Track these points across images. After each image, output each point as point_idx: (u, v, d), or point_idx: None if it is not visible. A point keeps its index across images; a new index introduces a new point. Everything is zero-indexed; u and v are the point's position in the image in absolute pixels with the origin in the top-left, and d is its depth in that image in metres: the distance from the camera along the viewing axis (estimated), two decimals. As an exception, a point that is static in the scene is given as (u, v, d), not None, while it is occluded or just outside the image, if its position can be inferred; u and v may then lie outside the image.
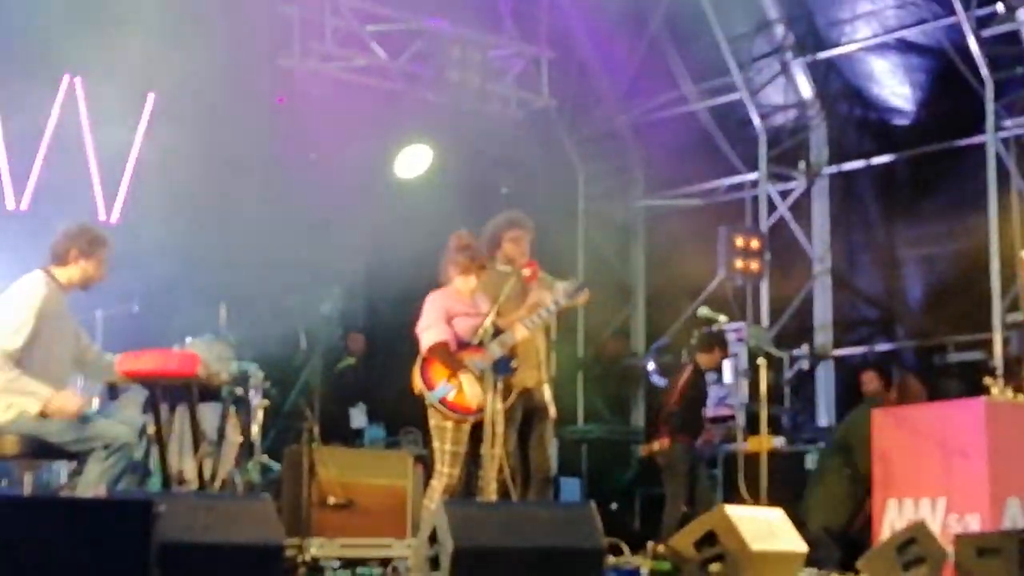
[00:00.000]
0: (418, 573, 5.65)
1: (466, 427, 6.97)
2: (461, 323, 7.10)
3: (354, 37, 11.68)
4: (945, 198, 12.59)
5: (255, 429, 8.99)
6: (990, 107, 11.78)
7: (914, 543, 7.44)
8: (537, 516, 5.88)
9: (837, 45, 13.11)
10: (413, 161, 12.27)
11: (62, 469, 8.50)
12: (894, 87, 12.85)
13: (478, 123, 12.67)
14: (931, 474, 8.68)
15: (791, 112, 13.75)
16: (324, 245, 11.56)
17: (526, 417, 7.43)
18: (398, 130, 12.22)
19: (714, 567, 6.63)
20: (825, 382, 13.30)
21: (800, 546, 7.15)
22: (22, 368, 6.28)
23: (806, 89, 13.60)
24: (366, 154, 11.94)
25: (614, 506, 12.33)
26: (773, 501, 8.13)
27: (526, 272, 7.40)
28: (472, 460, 7.14)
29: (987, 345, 11.65)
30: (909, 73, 12.71)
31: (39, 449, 6.42)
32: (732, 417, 11.52)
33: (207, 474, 7.43)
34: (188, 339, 9.34)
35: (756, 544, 6.64)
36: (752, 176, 13.75)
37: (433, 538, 5.58)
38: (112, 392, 7.28)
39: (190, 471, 7.64)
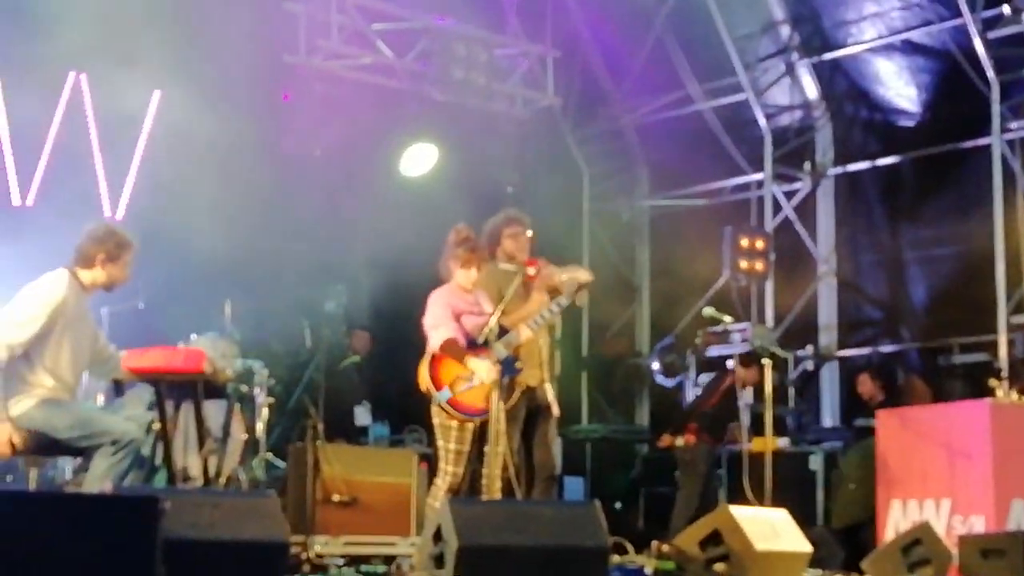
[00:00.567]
0: (422, 571, 5.65)
1: (470, 426, 6.97)
2: (467, 321, 7.10)
3: (360, 35, 11.68)
4: (950, 199, 12.57)
5: (260, 426, 9.01)
6: (996, 109, 11.77)
7: (919, 544, 7.43)
8: (542, 515, 5.87)
9: (843, 46, 13.10)
10: (418, 159, 12.28)
11: (67, 465, 8.52)
12: (900, 88, 12.84)
13: (483, 122, 12.68)
14: (936, 475, 8.67)
15: (796, 113, 13.74)
16: (329, 243, 11.57)
17: (529, 416, 7.43)
18: (403, 128, 12.23)
19: (719, 567, 6.62)
20: (830, 383, 13.29)
21: (804, 546, 7.14)
22: (30, 362, 6.29)
23: (811, 90, 13.59)
24: (371, 152, 11.96)
25: (618, 505, 12.33)
26: (777, 502, 8.12)
27: (530, 271, 7.40)
28: (476, 458, 7.14)
29: (992, 347, 11.63)
30: (915, 74, 12.70)
31: (45, 445, 6.42)
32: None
33: (212, 471, 7.43)
34: (193, 336, 9.36)
35: (761, 544, 6.63)
36: (757, 176, 13.75)
37: (438, 536, 5.58)
38: (117, 389, 7.28)
39: (195, 468, 7.65)
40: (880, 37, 12.71)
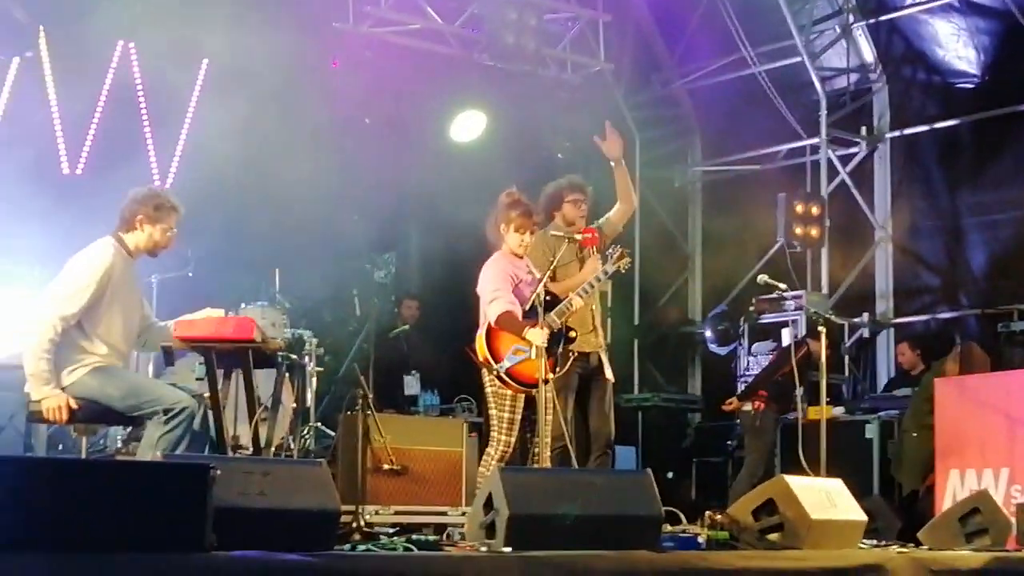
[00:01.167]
0: (473, 540, 5.60)
1: (523, 396, 6.91)
2: (524, 290, 7.04)
3: (409, 1, 11.59)
4: (1010, 163, 12.37)
5: (309, 395, 8.99)
6: (1057, 70, 11.55)
7: (977, 513, 7.30)
8: (594, 483, 5.81)
9: (900, 8, 12.90)
10: (468, 125, 12.21)
11: (118, 434, 8.56)
12: (958, 50, 12.62)
13: (534, 87, 12.58)
14: (995, 444, 8.55)
15: (852, 76, 13.55)
16: (378, 211, 11.53)
17: (583, 383, 7.37)
18: (453, 94, 12.16)
19: (773, 536, 6.53)
20: (886, 351, 13.12)
21: (860, 516, 7.03)
22: (83, 331, 6.29)
23: (868, 52, 13.39)
24: (421, 118, 11.90)
25: (670, 475, 12.27)
26: (832, 471, 8.01)
27: (577, 237, 7.33)
28: (529, 428, 7.09)
29: (1053, 313, 11.44)
30: (973, 36, 12.47)
31: (96, 413, 6.43)
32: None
33: (262, 440, 7.42)
34: (243, 305, 9.36)
35: (816, 513, 6.53)
36: (812, 141, 13.55)
37: (488, 505, 5.52)
38: (168, 358, 7.27)
39: (245, 437, 7.64)
40: (938, -2, 12.50)
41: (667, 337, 14.50)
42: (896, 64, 13.31)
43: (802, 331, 12.00)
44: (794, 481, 6.73)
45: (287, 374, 8.43)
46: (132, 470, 4.95)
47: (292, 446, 8.66)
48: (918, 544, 7.29)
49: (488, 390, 7.08)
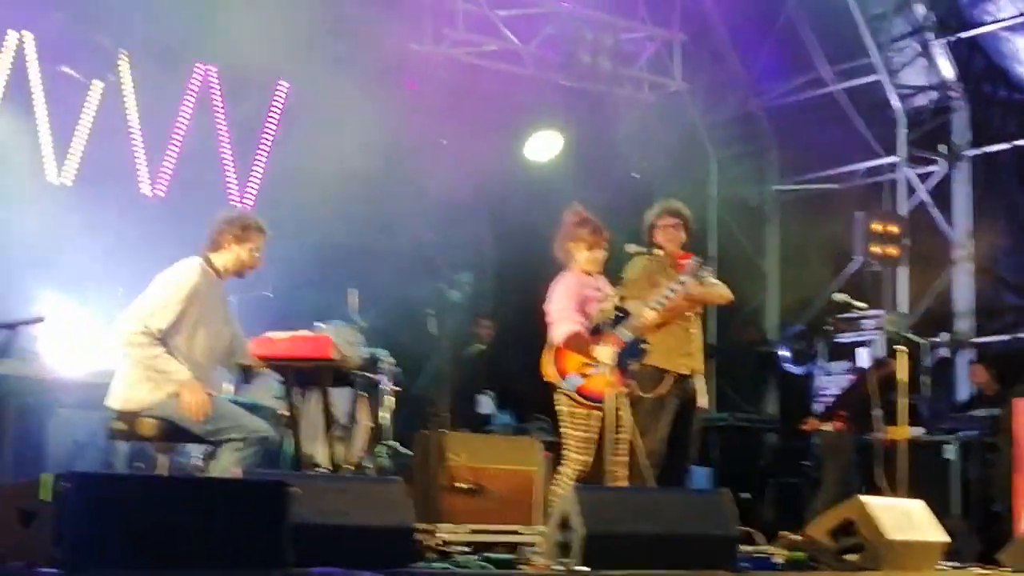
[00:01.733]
0: (549, 559, 5.60)
1: (598, 414, 6.87)
2: (593, 309, 7.02)
3: (485, 22, 11.66)
4: (1092, 181, 12.18)
5: (385, 414, 9.03)
6: None
7: (1059, 535, 7.20)
8: (670, 502, 5.80)
9: (980, 24, 12.74)
10: (544, 145, 12.23)
11: (196, 451, 8.64)
12: (1040, 67, 12.46)
13: (610, 107, 12.59)
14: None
15: (932, 93, 13.40)
16: (454, 230, 11.57)
17: (682, 406, 7.34)
18: (529, 114, 12.19)
19: (851, 557, 6.47)
20: (966, 370, 12.93)
21: (940, 536, 6.95)
22: (168, 350, 6.33)
23: (948, 70, 13.24)
24: (497, 139, 11.93)
25: (746, 495, 12.17)
26: (912, 492, 7.92)
27: (658, 253, 7.31)
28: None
29: None
30: (1055, 52, 12.31)
31: (175, 433, 6.48)
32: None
33: (338, 458, 7.46)
34: (318, 324, 9.43)
35: (894, 534, 6.48)
36: (891, 159, 13.42)
37: (564, 524, 5.53)
38: (246, 376, 7.34)
39: (321, 455, 7.69)
40: (1019, 14, 12.32)
41: (743, 356, 14.40)
42: (976, 81, 13.15)
43: (880, 351, 11.87)
44: (872, 501, 6.68)
45: (363, 393, 8.48)
46: (212, 487, 5.01)
47: (368, 465, 8.70)
48: (999, 566, 7.19)
49: (562, 410, 7.05)
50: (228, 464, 6.22)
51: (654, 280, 7.24)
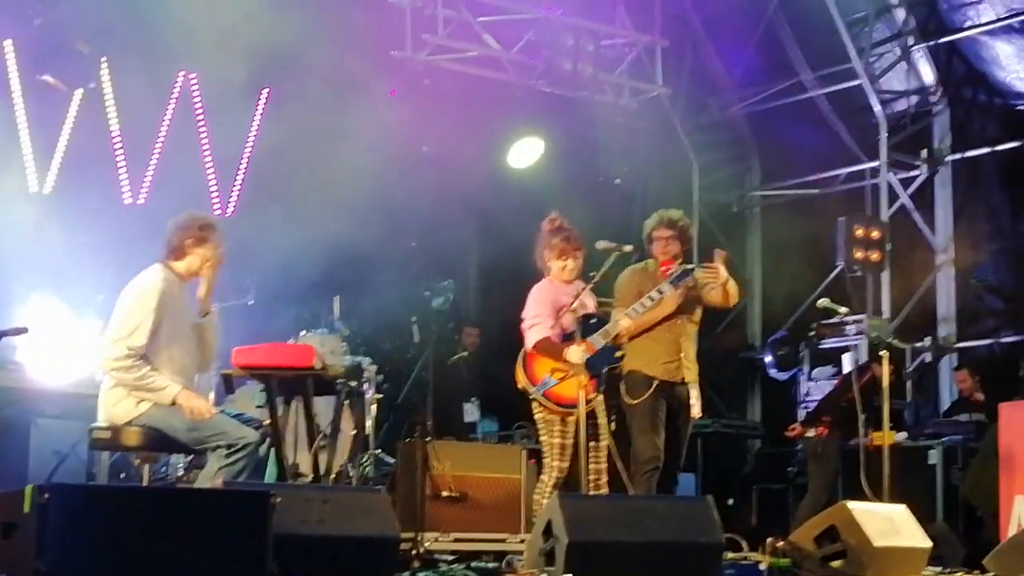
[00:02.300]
0: (533, 567, 5.59)
1: (573, 419, 6.87)
2: (569, 316, 7.02)
3: (466, 28, 11.64)
4: (1073, 185, 12.22)
5: (369, 423, 9.01)
6: (1121, 90, 11.40)
7: (1044, 540, 7.19)
8: (654, 510, 5.79)
9: (960, 29, 12.77)
10: (526, 152, 12.23)
11: (179, 461, 8.62)
12: (1019, 71, 12.48)
13: (591, 113, 12.59)
14: (1061, 470, 8.41)
15: (912, 98, 13.42)
16: (437, 238, 11.56)
17: (670, 411, 7.34)
18: (511, 121, 12.19)
19: (836, 563, 6.46)
20: (949, 375, 12.96)
21: (924, 542, 6.95)
22: (149, 363, 6.34)
23: (928, 75, 13.28)
24: (479, 145, 11.92)
25: (731, 501, 12.17)
26: (896, 497, 7.93)
27: (648, 262, 7.31)
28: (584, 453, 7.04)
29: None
30: (1035, 57, 12.35)
31: (159, 442, 6.48)
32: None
33: (322, 467, 7.44)
34: (302, 332, 9.41)
35: (879, 540, 6.47)
36: (872, 164, 13.45)
37: (548, 532, 5.52)
38: (228, 386, 7.32)
39: (305, 464, 7.67)
40: (999, 19, 12.36)
41: (727, 362, 14.40)
42: (957, 86, 13.19)
43: (863, 356, 11.89)
44: (857, 507, 6.67)
45: (346, 401, 8.46)
46: (194, 498, 4.99)
47: (351, 473, 8.68)
48: (983, 571, 7.19)
49: (537, 417, 7.09)
50: (215, 471, 6.24)
51: (642, 290, 7.26)
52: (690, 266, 7.41)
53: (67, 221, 9.21)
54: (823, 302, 8.75)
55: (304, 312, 10.17)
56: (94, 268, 8.98)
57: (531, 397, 7.00)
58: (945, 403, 12.76)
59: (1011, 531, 8.28)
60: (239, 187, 10.90)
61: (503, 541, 8.17)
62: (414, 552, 7.31)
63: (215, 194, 10.82)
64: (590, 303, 7.13)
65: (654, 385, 7.25)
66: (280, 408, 6.91)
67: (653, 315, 7.25)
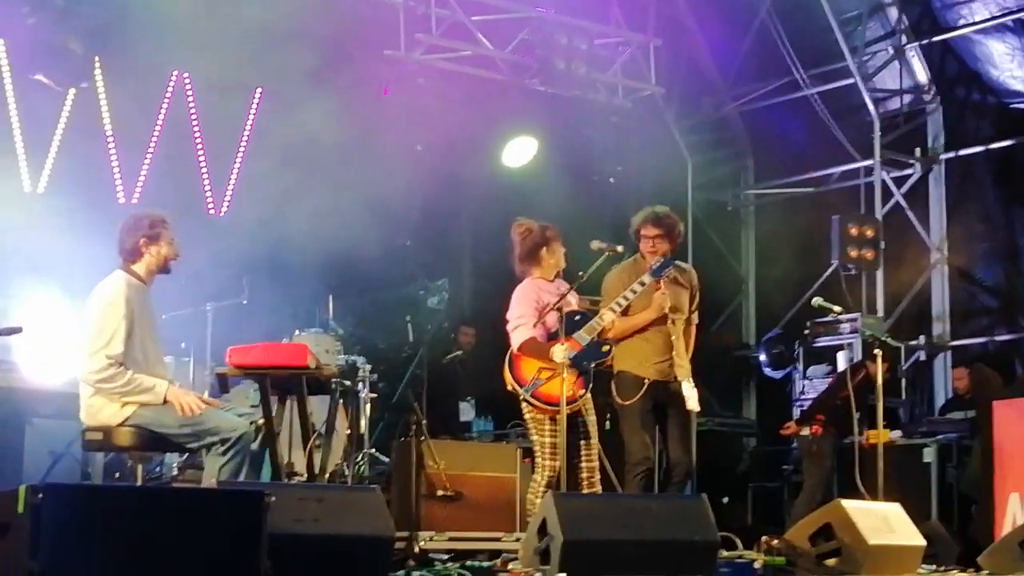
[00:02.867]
0: (528, 566, 5.59)
1: (562, 418, 6.87)
2: (553, 314, 7.02)
3: (460, 28, 11.64)
4: (1067, 183, 12.24)
5: (363, 422, 9.01)
6: (1114, 88, 11.42)
7: (1038, 538, 7.20)
8: (649, 509, 5.79)
9: (953, 28, 12.78)
10: (520, 151, 12.23)
11: (173, 461, 8.61)
12: (1012, 70, 12.49)
13: (585, 112, 12.59)
14: (1055, 467, 8.43)
15: (906, 97, 13.44)
16: (431, 237, 11.56)
17: (660, 410, 7.33)
18: (505, 120, 12.19)
19: (830, 561, 6.47)
20: (943, 373, 12.98)
21: (919, 541, 6.96)
22: (129, 367, 6.35)
23: (921, 73, 13.30)
24: (473, 144, 11.92)
25: (725, 500, 12.18)
26: (890, 495, 7.94)
27: (646, 280, 7.26)
28: (575, 453, 7.05)
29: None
30: (1028, 55, 12.36)
31: (152, 441, 6.48)
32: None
33: (316, 467, 7.44)
34: (297, 332, 9.41)
35: (873, 538, 6.48)
36: (866, 163, 13.45)
37: (543, 531, 5.51)
38: (223, 385, 7.32)
39: (299, 463, 7.67)
40: (992, 18, 12.37)
41: (721, 361, 14.41)
42: (950, 85, 13.20)
43: (858, 354, 11.90)
44: (851, 505, 6.67)
45: (341, 401, 8.46)
46: (188, 497, 4.98)
47: (346, 472, 8.68)
48: (978, 569, 7.20)
49: (527, 416, 7.10)
50: (215, 468, 6.26)
51: (629, 286, 7.25)
52: (672, 257, 7.34)
53: (60, 221, 9.19)
54: (817, 300, 8.76)
55: (299, 311, 10.17)
56: (88, 268, 8.95)
57: (521, 398, 7.01)
58: (939, 401, 12.78)
59: (1005, 529, 8.29)
60: (233, 186, 10.89)
61: (498, 540, 8.15)
62: (409, 551, 7.31)
63: (209, 193, 10.81)
64: (573, 300, 7.14)
65: (645, 385, 7.24)
66: (275, 407, 6.90)
67: (645, 316, 7.23)
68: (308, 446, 7.13)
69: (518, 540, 7.52)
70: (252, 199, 10.57)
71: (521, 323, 7.03)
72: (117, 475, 8.63)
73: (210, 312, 9.41)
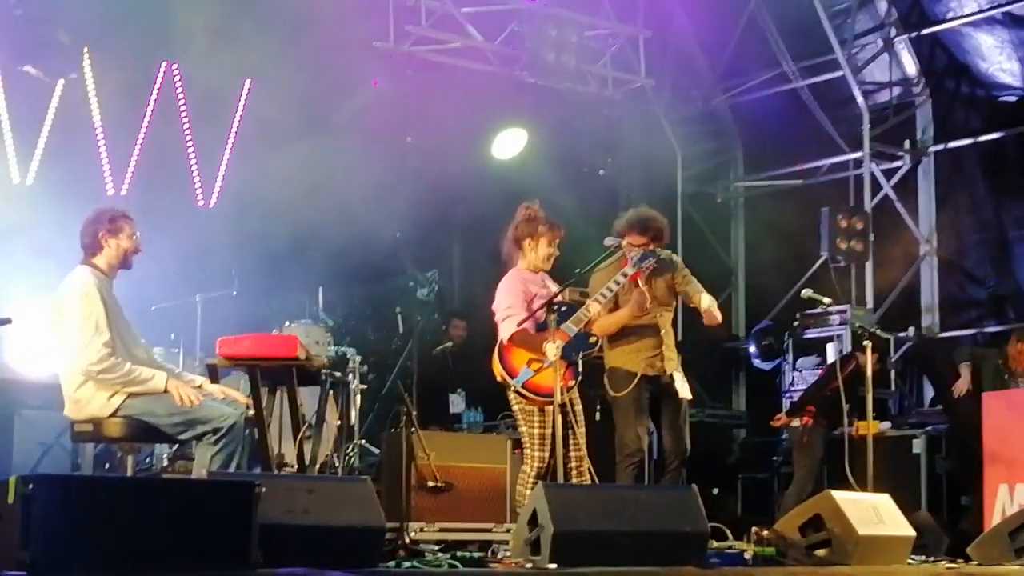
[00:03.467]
0: (518, 557, 5.59)
1: (551, 409, 6.87)
2: (538, 305, 7.02)
3: (449, 19, 11.63)
4: (1055, 175, 12.25)
5: (354, 413, 9.00)
6: (1103, 81, 11.44)
7: (1027, 528, 7.22)
8: (639, 500, 5.80)
9: (942, 20, 12.79)
10: (510, 143, 12.23)
11: (164, 452, 8.60)
12: (1001, 63, 12.52)
13: (575, 104, 12.58)
14: (1044, 458, 8.45)
15: (895, 89, 13.46)
16: (421, 229, 11.55)
17: (654, 401, 7.34)
18: (495, 112, 12.18)
19: (820, 552, 6.48)
20: (932, 365, 12.99)
21: (908, 531, 6.97)
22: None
23: (911, 66, 13.31)
24: (462, 136, 11.91)
25: (715, 491, 12.19)
26: (880, 487, 7.95)
27: (621, 279, 7.23)
28: (565, 443, 7.05)
29: (1103, 326, 11.29)
30: (1017, 48, 12.36)
31: (142, 432, 6.47)
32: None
33: (307, 457, 7.44)
34: (287, 323, 9.40)
35: (863, 529, 6.49)
36: (855, 155, 13.46)
37: (533, 522, 5.52)
38: (212, 376, 7.31)
39: (290, 454, 7.67)
40: (981, 11, 12.39)
41: (711, 353, 14.42)
42: (939, 77, 13.21)
43: (847, 346, 11.92)
44: (841, 496, 6.68)
45: (331, 392, 8.45)
46: (178, 488, 4.98)
47: (337, 464, 8.67)
48: (967, 560, 7.21)
49: (516, 408, 7.10)
50: (207, 458, 6.26)
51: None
52: (650, 249, 7.29)
53: (49, 212, 9.17)
54: (807, 292, 8.78)
55: (289, 302, 10.16)
56: (76, 259, 8.93)
57: (511, 389, 7.01)
58: (929, 392, 12.81)
59: (995, 520, 8.32)
60: (222, 177, 10.87)
61: (489, 531, 8.16)
62: (399, 542, 7.30)
63: (198, 184, 10.79)
64: (554, 287, 7.15)
65: (637, 378, 7.23)
66: (265, 398, 6.90)
67: (622, 314, 7.20)
68: (298, 437, 7.12)
69: (508, 531, 7.54)
70: (241, 190, 10.55)
71: (510, 314, 7.03)
72: (107, 466, 8.62)
73: (199, 303, 9.40)
